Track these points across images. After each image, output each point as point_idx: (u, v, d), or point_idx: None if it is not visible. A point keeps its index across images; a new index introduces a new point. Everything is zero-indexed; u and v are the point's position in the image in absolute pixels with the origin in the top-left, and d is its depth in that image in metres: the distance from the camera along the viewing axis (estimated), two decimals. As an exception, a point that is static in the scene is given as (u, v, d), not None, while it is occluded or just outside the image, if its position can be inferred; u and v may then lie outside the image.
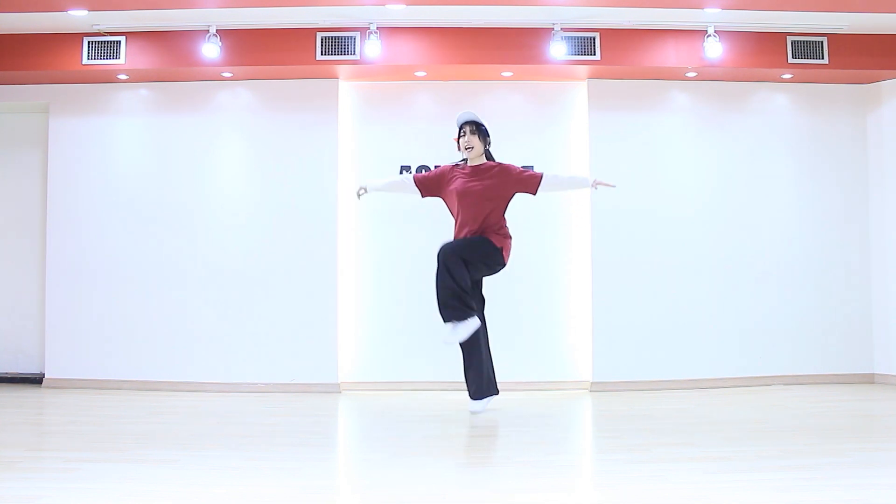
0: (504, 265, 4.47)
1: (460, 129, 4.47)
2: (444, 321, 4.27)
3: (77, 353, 5.57)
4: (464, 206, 4.38)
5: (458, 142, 4.48)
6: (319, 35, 5.37)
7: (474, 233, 4.36)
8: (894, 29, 5.42)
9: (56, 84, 5.67)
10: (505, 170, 4.47)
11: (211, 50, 5.24)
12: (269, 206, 5.60)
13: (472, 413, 4.40)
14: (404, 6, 5.01)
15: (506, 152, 5.64)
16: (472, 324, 4.25)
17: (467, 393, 4.47)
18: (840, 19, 5.25)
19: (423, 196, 4.57)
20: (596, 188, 4.48)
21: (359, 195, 4.64)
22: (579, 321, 5.62)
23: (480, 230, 4.37)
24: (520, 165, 5.63)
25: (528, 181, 4.46)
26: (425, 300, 4.44)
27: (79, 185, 5.66)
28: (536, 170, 5.58)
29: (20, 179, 5.94)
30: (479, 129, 4.45)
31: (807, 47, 5.47)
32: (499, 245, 4.39)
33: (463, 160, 4.53)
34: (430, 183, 4.54)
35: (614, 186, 4.51)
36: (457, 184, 4.42)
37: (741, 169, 5.72)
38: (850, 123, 5.81)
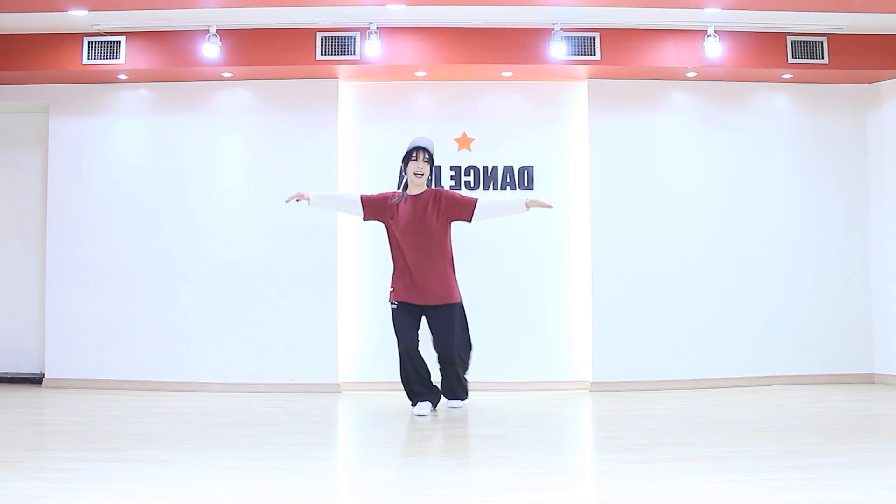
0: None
1: (414, 152, 4.43)
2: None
3: (77, 353, 5.57)
4: (412, 239, 4.39)
5: (408, 165, 4.45)
6: (319, 35, 5.37)
7: (421, 269, 4.40)
8: (894, 29, 5.41)
9: (56, 84, 5.67)
10: (442, 196, 4.48)
11: (211, 50, 5.24)
12: (269, 207, 5.59)
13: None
14: (404, 6, 5.01)
15: (506, 152, 5.68)
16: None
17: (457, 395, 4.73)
18: (840, 19, 5.25)
19: (365, 219, 4.54)
20: (528, 209, 4.49)
21: (288, 201, 4.54)
22: (579, 321, 5.62)
23: (432, 259, 4.42)
24: (519, 166, 5.67)
25: (464, 208, 4.46)
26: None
27: (79, 185, 5.66)
28: (535, 170, 5.64)
29: (20, 179, 5.94)
30: (430, 158, 4.46)
31: (807, 47, 5.46)
32: (459, 300, 4.56)
33: (400, 193, 4.49)
34: (375, 206, 4.49)
35: (550, 206, 4.52)
36: (398, 222, 4.42)
37: (741, 169, 5.72)
38: (850, 123, 5.81)
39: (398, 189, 4.58)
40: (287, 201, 4.56)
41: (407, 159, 4.47)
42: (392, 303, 4.58)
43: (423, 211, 4.42)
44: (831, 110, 5.80)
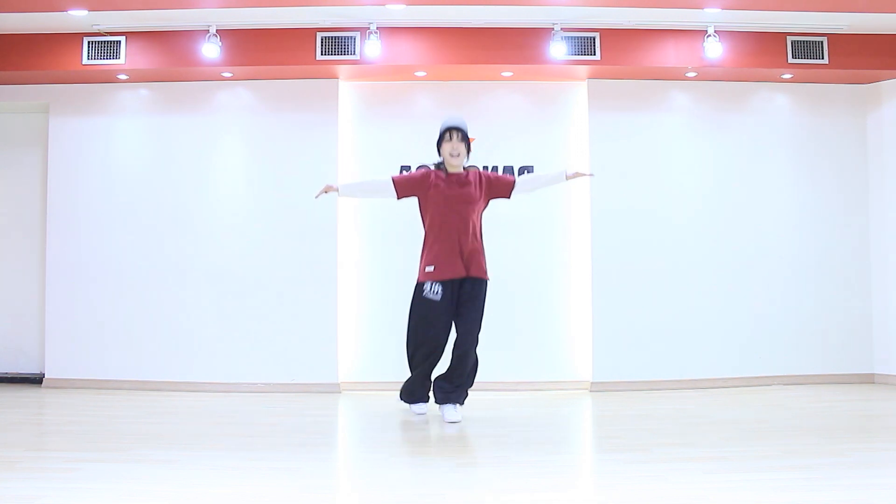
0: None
1: (447, 133, 4.32)
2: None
3: (77, 353, 5.57)
4: (453, 214, 4.28)
5: (442, 146, 4.34)
6: (319, 35, 5.37)
7: (466, 238, 4.27)
8: (894, 29, 5.42)
9: (56, 84, 5.67)
10: (482, 176, 4.42)
11: (211, 50, 5.24)
12: (269, 206, 5.60)
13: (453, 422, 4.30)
14: (404, 6, 5.01)
15: (506, 152, 5.69)
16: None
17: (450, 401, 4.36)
18: (840, 19, 5.25)
19: (398, 198, 4.39)
20: (568, 180, 4.47)
21: (317, 196, 4.40)
22: (579, 321, 5.62)
23: (471, 236, 4.30)
24: (519, 165, 5.67)
25: (504, 186, 4.43)
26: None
27: (79, 185, 5.66)
28: (535, 170, 5.63)
29: (20, 179, 5.94)
30: (465, 137, 4.35)
31: (807, 47, 5.47)
32: (487, 278, 4.36)
33: (439, 165, 4.40)
34: (409, 185, 4.37)
35: (592, 175, 4.75)
36: (443, 191, 4.30)
37: (741, 169, 5.72)
38: (850, 123, 5.81)
39: (436, 167, 4.43)
40: (317, 196, 4.42)
41: (441, 141, 4.35)
42: (430, 287, 4.24)
43: (467, 186, 4.33)
44: (831, 110, 5.80)
